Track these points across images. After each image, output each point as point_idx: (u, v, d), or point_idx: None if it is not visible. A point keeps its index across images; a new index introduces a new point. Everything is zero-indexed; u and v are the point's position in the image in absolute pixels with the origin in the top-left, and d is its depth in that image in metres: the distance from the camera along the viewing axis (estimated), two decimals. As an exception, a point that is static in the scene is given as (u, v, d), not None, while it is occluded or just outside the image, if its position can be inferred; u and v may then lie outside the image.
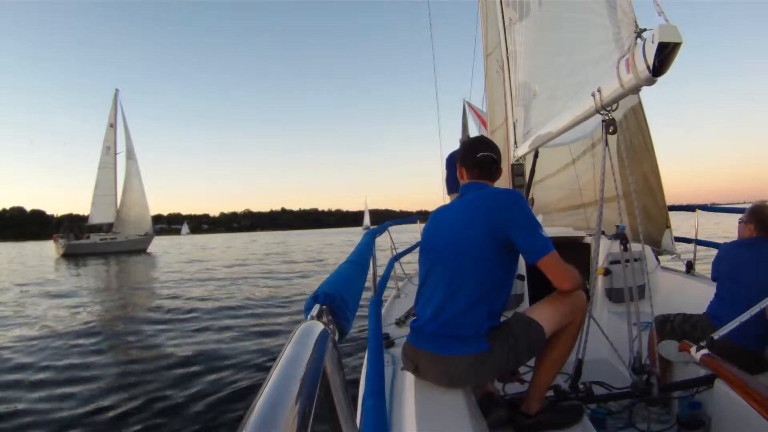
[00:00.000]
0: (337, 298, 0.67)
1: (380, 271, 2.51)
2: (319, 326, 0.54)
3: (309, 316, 0.61)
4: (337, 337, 0.61)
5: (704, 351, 1.38)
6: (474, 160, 1.60)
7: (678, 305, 2.18)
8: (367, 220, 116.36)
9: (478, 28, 6.03)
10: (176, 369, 4.85)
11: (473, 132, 10.27)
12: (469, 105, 10.65)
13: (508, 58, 3.21)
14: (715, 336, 1.43)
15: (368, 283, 1.58)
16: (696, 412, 1.73)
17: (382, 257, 2.81)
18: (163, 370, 4.83)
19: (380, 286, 2.22)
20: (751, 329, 1.77)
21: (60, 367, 5.08)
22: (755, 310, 1.49)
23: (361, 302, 0.97)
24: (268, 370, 0.41)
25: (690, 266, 2.96)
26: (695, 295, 2.46)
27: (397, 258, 3.24)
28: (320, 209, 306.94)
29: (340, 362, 0.56)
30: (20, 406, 4.01)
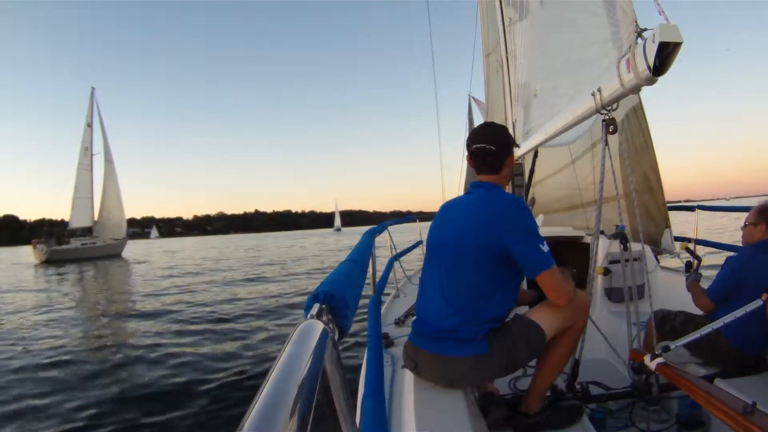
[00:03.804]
0: (337, 297, 0.67)
1: (380, 271, 2.50)
2: (319, 325, 0.54)
3: (309, 315, 0.61)
4: (336, 337, 0.61)
5: (659, 360, 1.36)
6: (469, 151, 1.56)
7: (677, 305, 2.17)
8: (337, 222, 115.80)
9: (477, 27, 6.02)
10: (175, 368, 4.85)
11: None
12: (475, 100, 10.69)
13: (507, 57, 3.21)
14: (672, 345, 1.42)
15: (368, 283, 1.58)
16: (695, 411, 1.72)
17: (381, 257, 2.81)
18: (161, 370, 4.83)
19: (380, 286, 2.22)
20: (752, 332, 1.76)
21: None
22: (739, 313, 1.48)
23: (361, 302, 0.97)
24: (267, 369, 0.40)
25: (690, 266, 2.95)
26: None
27: (396, 258, 3.24)
28: (293, 211, 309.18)
29: (339, 361, 0.56)
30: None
